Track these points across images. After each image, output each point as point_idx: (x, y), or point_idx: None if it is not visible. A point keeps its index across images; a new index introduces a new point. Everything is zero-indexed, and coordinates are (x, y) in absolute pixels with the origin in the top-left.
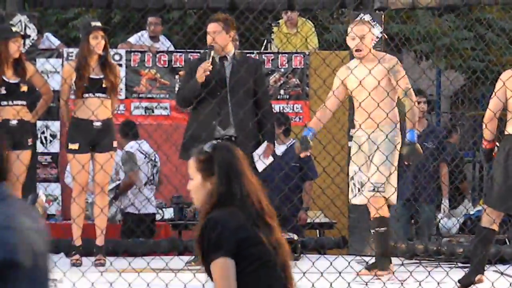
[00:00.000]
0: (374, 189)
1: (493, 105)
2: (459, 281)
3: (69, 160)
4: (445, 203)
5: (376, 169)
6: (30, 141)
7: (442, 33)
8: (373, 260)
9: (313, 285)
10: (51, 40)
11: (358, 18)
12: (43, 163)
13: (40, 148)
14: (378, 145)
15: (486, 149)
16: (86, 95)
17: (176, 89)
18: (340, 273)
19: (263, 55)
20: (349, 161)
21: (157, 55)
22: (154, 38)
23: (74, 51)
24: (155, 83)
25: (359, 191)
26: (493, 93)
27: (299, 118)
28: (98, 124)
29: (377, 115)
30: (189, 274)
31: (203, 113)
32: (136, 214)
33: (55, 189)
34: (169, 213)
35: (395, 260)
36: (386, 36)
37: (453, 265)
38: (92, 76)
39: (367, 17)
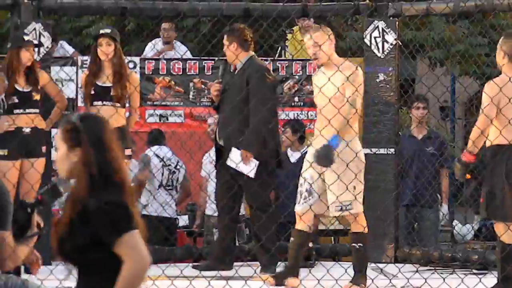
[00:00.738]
0: (341, 209)
1: (487, 116)
2: None
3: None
4: (444, 209)
5: (340, 186)
6: (44, 149)
7: (457, 40)
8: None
9: None
10: (66, 48)
11: (317, 25)
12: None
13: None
14: (339, 152)
15: (466, 162)
16: (95, 103)
17: (191, 97)
18: None
19: (277, 62)
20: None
21: (171, 63)
22: (168, 44)
23: (88, 59)
24: (170, 91)
25: (304, 199)
26: (486, 104)
27: (314, 125)
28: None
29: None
30: (204, 281)
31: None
32: (154, 217)
33: None
34: (183, 220)
35: (409, 267)
36: (401, 43)
37: (468, 272)
38: (99, 83)
39: (377, 25)
